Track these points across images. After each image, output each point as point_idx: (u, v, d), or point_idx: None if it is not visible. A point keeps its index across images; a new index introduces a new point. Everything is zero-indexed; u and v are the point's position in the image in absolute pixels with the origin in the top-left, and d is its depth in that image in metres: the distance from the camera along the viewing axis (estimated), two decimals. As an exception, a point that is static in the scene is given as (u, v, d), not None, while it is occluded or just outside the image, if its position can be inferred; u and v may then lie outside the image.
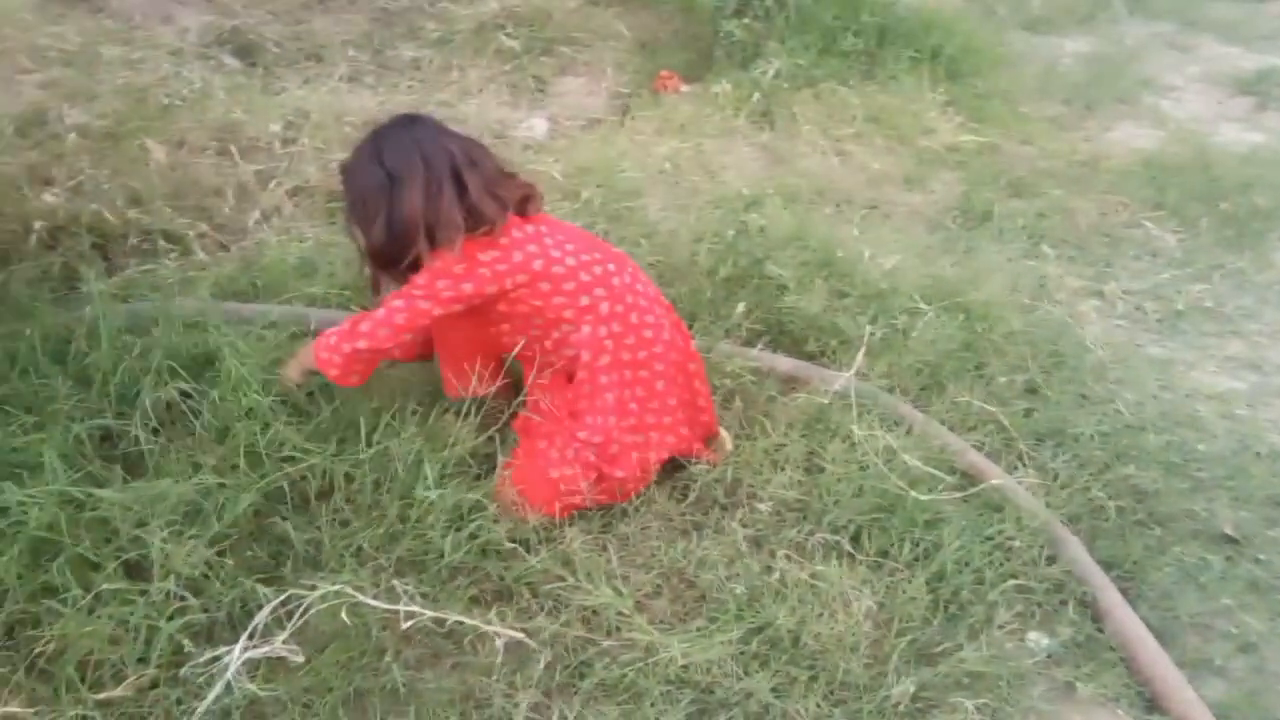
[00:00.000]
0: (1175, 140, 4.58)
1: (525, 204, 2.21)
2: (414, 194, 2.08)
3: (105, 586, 1.86)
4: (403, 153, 2.12)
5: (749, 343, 2.84)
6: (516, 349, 2.26)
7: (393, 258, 2.14)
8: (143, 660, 1.81)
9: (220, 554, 1.98)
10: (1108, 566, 2.29)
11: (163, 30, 4.14)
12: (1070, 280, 3.46)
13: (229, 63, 4.11)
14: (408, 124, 2.20)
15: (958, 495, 2.36)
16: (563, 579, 2.07)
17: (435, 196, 2.09)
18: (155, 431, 2.20)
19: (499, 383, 2.36)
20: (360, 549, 2.07)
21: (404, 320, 2.12)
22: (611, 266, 2.24)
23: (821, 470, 2.39)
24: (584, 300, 2.18)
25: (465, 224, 2.09)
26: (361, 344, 2.13)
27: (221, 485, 2.05)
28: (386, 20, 4.73)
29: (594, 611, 2.03)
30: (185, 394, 2.27)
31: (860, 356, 2.68)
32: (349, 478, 2.15)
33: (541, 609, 2.05)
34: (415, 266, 2.14)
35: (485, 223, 2.11)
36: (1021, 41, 5.51)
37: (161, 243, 2.96)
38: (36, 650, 1.82)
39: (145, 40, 3.98)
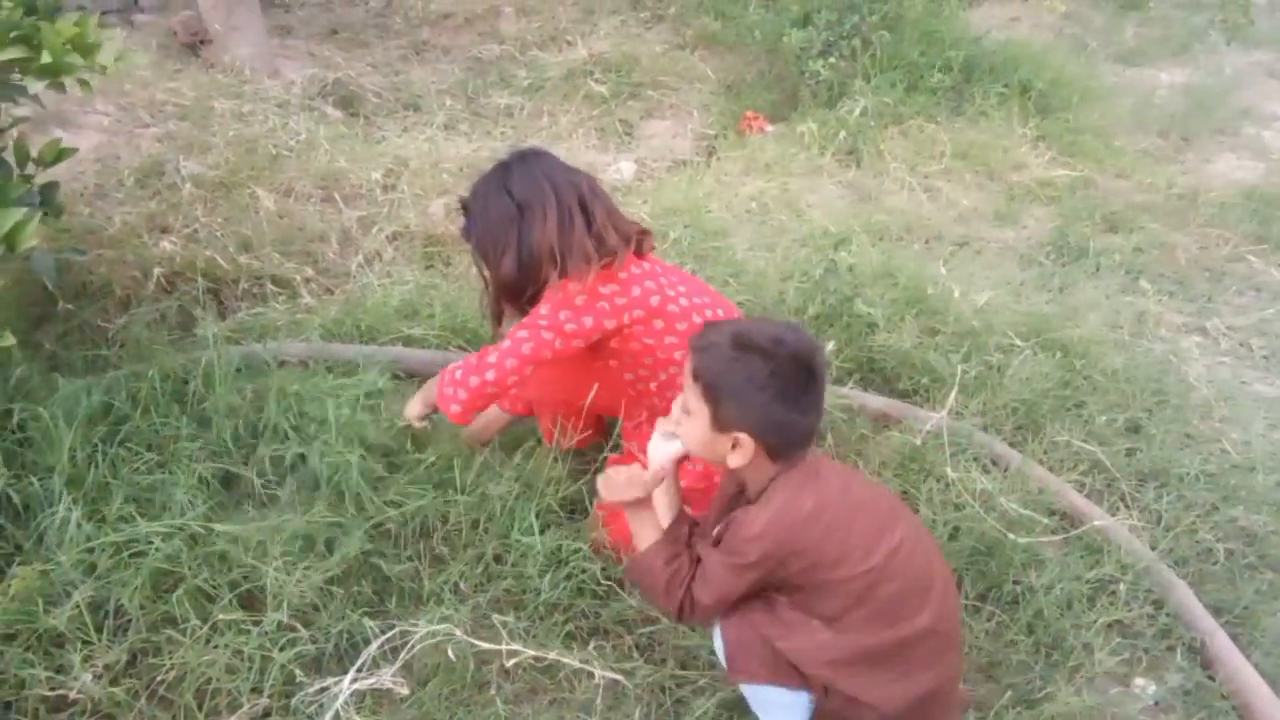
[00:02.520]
0: (1277, 171, 4.45)
1: (640, 241, 2.23)
2: (546, 224, 2.10)
3: (221, 617, 1.95)
4: (531, 184, 2.14)
5: (839, 381, 2.83)
6: (620, 402, 2.29)
7: (521, 288, 2.16)
8: (256, 690, 1.89)
9: (328, 589, 2.05)
10: (1217, 612, 2.23)
11: (270, 84, 4.34)
12: (1171, 316, 3.38)
13: (332, 113, 4.30)
14: (531, 157, 2.21)
15: (1058, 537, 2.32)
16: (656, 620, 2.09)
17: (567, 226, 2.11)
18: (274, 471, 2.29)
19: (590, 432, 2.37)
20: (458, 586, 2.12)
21: (530, 351, 2.12)
22: (720, 312, 2.24)
23: (916, 511, 2.37)
24: None
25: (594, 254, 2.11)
26: (490, 375, 2.13)
27: (335, 524, 2.12)
28: (480, 69, 4.89)
29: (688, 652, 2.05)
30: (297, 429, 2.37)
31: (953, 395, 2.66)
32: (444, 519, 2.21)
33: (636, 647, 2.07)
34: (537, 298, 2.16)
35: (609, 253, 2.12)
36: (1114, 74, 5.43)
37: (270, 287, 3.09)
38: (158, 678, 1.91)
39: (254, 94, 4.18)
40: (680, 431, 1.75)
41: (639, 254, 2.23)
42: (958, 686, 1.83)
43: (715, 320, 2.08)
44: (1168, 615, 2.20)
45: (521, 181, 2.14)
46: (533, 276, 2.13)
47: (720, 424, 1.66)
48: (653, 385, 2.24)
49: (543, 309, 2.13)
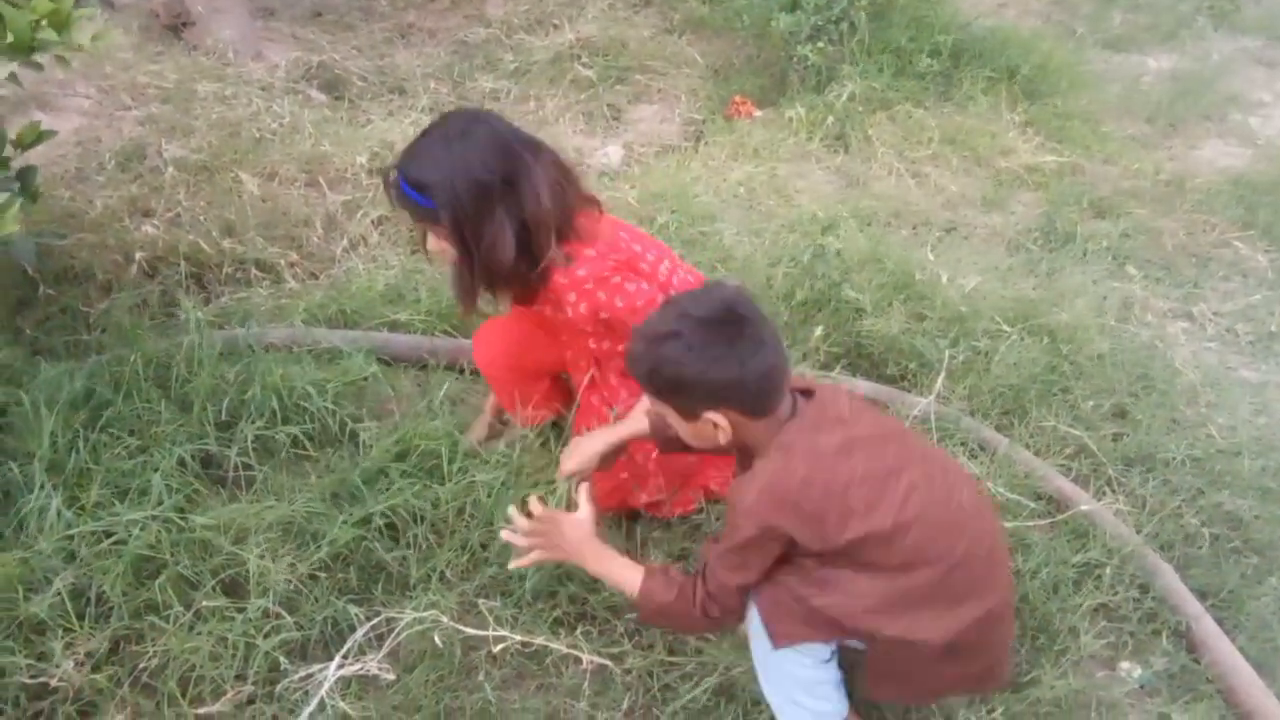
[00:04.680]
0: (1264, 158, 4.46)
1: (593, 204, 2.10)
2: (540, 196, 1.91)
3: (205, 604, 1.94)
4: (505, 152, 1.91)
5: (827, 366, 2.83)
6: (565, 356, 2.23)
7: (521, 271, 1.97)
8: (240, 677, 1.88)
9: (313, 575, 2.04)
10: (1202, 596, 2.24)
11: (254, 67, 4.29)
12: (1157, 302, 3.38)
13: (316, 97, 4.25)
14: (485, 119, 1.97)
15: (1044, 521, 2.32)
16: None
17: (558, 192, 1.95)
18: (254, 454, 2.27)
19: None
20: (444, 574, 2.11)
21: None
22: (666, 263, 2.14)
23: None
24: (660, 300, 2.05)
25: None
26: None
27: (318, 514, 2.11)
28: (466, 53, 4.85)
29: (677, 638, 2.04)
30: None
31: (940, 380, 2.66)
32: (435, 504, 2.20)
33: (624, 632, 2.06)
34: (532, 275, 1.99)
35: (594, 205, 2.05)
36: (1102, 60, 5.42)
37: (254, 271, 3.06)
38: (140, 665, 1.89)
39: (237, 76, 4.13)
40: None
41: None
42: (1012, 601, 1.79)
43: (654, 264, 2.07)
44: (1153, 599, 2.21)
45: (492, 149, 1.91)
46: (534, 254, 1.95)
47: (687, 415, 1.66)
48: (605, 344, 2.14)
49: (621, 311, 2.00)
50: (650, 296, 2.03)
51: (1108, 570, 2.22)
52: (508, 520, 1.85)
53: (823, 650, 1.72)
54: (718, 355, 1.58)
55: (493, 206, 1.90)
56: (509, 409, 2.41)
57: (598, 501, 1.98)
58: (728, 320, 1.59)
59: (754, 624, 1.72)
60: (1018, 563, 2.19)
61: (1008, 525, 2.23)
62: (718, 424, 1.63)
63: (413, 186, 1.91)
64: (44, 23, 2.06)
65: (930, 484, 1.66)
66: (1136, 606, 2.20)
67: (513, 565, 1.89)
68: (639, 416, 2.03)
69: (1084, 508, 2.34)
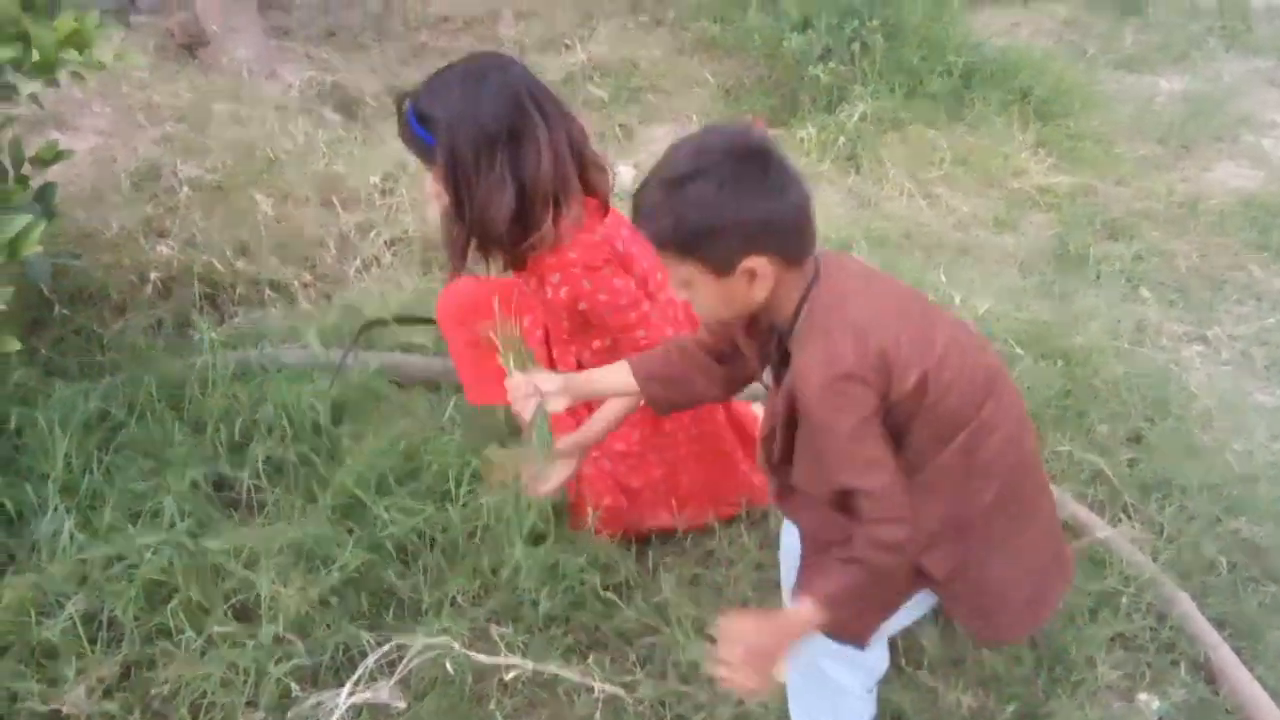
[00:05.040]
0: (1277, 180, 4.43)
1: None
2: (542, 159, 1.83)
3: (216, 629, 1.93)
4: (516, 107, 1.82)
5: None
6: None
7: (514, 232, 1.88)
8: (251, 704, 1.87)
9: (324, 601, 2.03)
10: (1220, 625, 2.21)
11: (268, 87, 4.32)
12: (1172, 325, 3.36)
13: (330, 117, 4.27)
14: (510, 67, 1.87)
15: (1060, 549, 2.30)
16: (657, 632, 2.08)
17: (564, 162, 1.86)
18: (265, 475, 2.27)
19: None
20: (455, 599, 2.10)
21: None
22: (645, 263, 2.04)
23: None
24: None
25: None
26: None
27: (330, 538, 2.10)
28: (478, 72, 4.86)
29: (691, 666, 2.03)
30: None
31: (955, 405, 2.64)
32: (444, 529, 2.19)
33: (637, 660, 2.05)
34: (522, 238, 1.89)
35: (599, 193, 1.96)
36: (1114, 81, 5.41)
37: (268, 292, 3.08)
38: (152, 692, 1.89)
39: (252, 97, 4.15)
40: (696, 310, 1.55)
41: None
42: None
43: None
44: (1171, 629, 2.19)
45: (505, 100, 1.81)
46: (527, 222, 1.87)
47: (721, 268, 1.41)
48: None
49: (611, 320, 1.97)
50: (635, 299, 1.96)
51: (1124, 599, 2.20)
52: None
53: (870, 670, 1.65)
54: (751, 189, 1.37)
55: (493, 158, 1.81)
56: (462, 379, 2.32)
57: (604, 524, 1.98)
58: (753, 152, 1.39)
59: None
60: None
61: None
62: (756, 274, 1.40)
63: (418, 119, 1.83)
64: (65, 42, 2.08)
65: (961, 342, 1.51)
66: (1154, 636, 2.17)
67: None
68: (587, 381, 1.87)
69: (1100, 535, 2.32)
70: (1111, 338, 3.12)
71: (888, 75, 4.59)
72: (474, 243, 1.92)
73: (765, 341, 1.60)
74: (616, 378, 1.80)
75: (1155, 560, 2.33)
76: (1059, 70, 4.98)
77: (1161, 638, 2.17)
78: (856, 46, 4.56)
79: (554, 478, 2.00)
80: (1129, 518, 2.48)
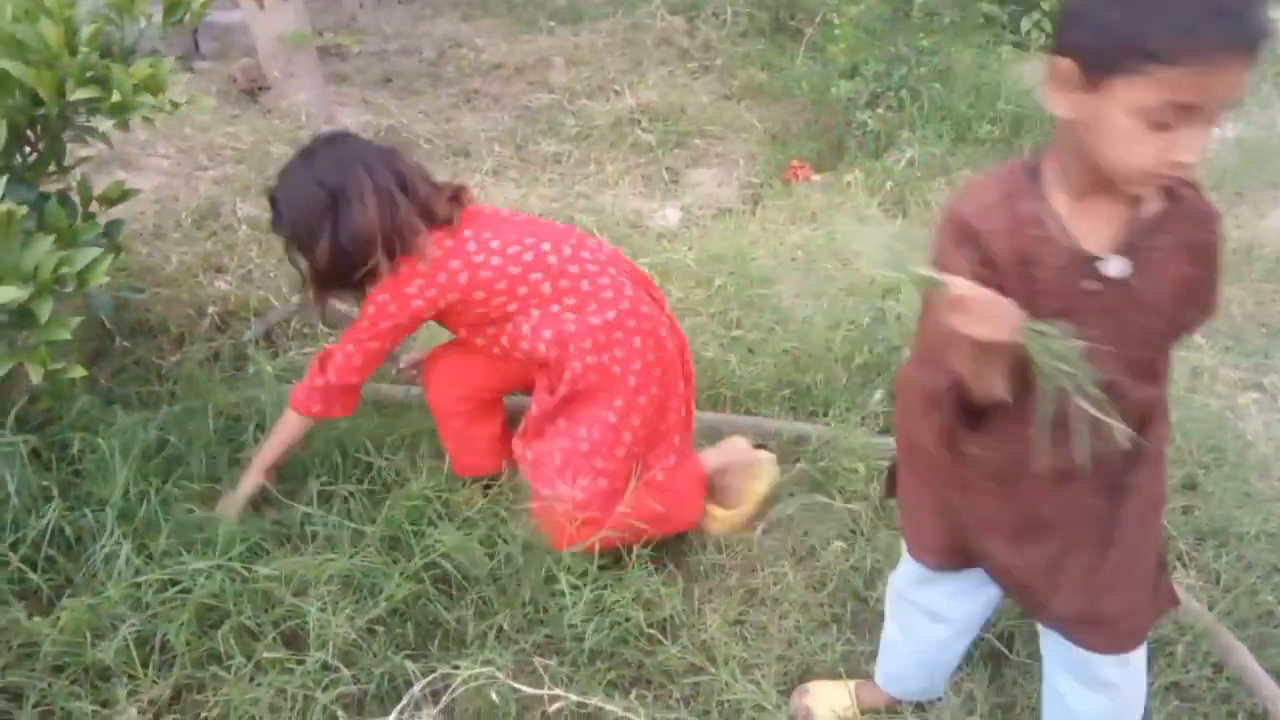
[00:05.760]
0: (1334, 227, 4.37)
1: (456, 202, 2.20)
2: (367, 210, 2.06)
3: (266, 654, 1.95)
4: (342, 169, 2.09)
5: (886, 430, 2.80)
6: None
7: (343, 277, 2.15)
8: (299, 729, 1.88)
9: (371, 629, 2.05)
10: (1279, 677, 2.15)
11: (326, 130, 4.43)
12: (1227, 372, 3.31)
13: (384, 159, 4.37)
14: (338, 140, 2.19)
15: (1113, 595, 2.25)
16: (701, 670, 2.06)
17: (388, 208, 2.07)
18: (316, 505, 2.31)
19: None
20: (501, 629, 2.11)
21: (361, 362, 2.22)
22: (546, 245, 2.18)
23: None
24: (521, 290, 2.17)
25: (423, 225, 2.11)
26: (332, 378, 2.22)
27: (375, 567, 2.13)
28: (529, 117, 4.96)
29: (734, 706, 2.01)
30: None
31: (1004, 448, 2.61)
32: (490, 557, 2.21)
33: (680, 698, 2.04)
34: (367, 280, 2.14)
35: (442, 221, 2.14)
36: (1164, 127, 5.38)
37: (321, 327, 3.14)
38: (202, 715, 1.91)
39: (310, 139, 4.26)
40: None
41: (453, 219, 2.19)
42: None
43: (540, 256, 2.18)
44: (1227, 679, 2.13)
45: (332, 168, 2.10)
46: (357, 263, 2.09)
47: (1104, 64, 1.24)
48: (504, 341, 2.25)
49: (362, 323, 2.17)
50: (428, 289, 2.13)
51: (1180, 648, 2.15)
52: None
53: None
54: None
55: (322, 222, 2.08)
56: (451, 452, 2.45)
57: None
58: None
59: None
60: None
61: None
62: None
63: (271, 205, 2.21)
64: (140, 86, 2.16)
65: None
66: (1210, 687, 2.12)
67: None
68: None
69: (1154, 582, 2.27)
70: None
71: (935, 122, 4.61)
72: (325, 289, 2.21)
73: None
74: None
75: (1211, 609, 2.27)
76: (1109, 117, 4.96)
77: (1218, 688, 2.11)
78: (904, 93, 4.59)
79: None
80: (1184, 566, 2.43)
